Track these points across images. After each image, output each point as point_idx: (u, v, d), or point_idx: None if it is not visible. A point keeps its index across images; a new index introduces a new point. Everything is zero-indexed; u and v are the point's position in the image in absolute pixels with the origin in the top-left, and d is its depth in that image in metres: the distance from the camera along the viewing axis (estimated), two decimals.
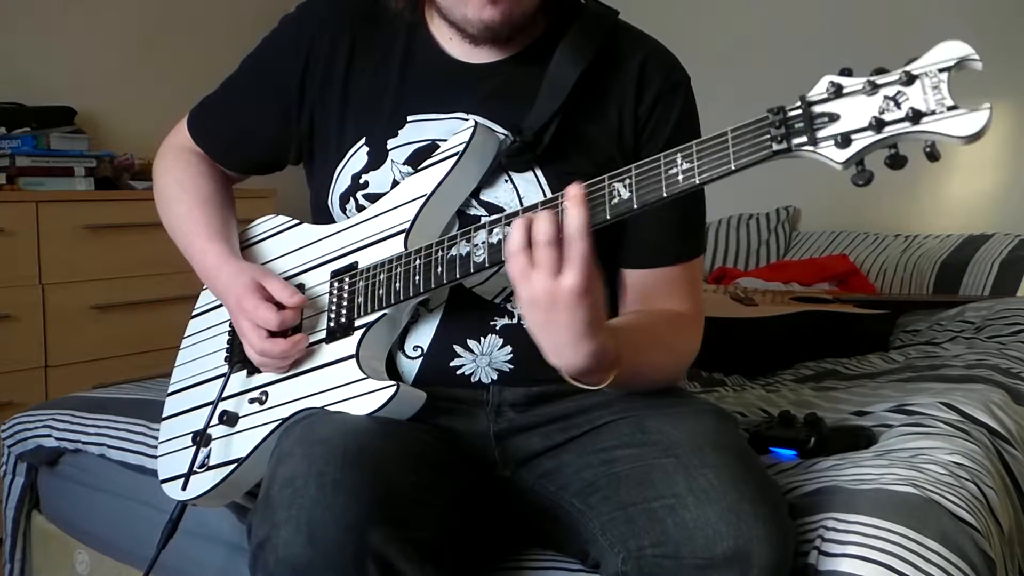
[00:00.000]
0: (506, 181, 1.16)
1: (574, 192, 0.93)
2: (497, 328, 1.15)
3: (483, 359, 1.15)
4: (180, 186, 1.32)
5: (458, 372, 1.15)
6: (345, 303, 1.16)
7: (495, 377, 1.16)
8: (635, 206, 0.93)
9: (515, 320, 1.15)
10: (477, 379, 1.16)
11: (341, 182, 1.22)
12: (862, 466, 1.23)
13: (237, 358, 1.24)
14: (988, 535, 1.10)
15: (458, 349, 1.15)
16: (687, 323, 1.19)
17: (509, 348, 1.15)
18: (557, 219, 0.93)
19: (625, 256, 1.20)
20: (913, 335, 2.32)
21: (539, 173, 1.16)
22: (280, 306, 1.16)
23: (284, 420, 1.14)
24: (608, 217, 0.95)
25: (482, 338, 1.15)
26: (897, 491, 1.11)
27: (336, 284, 1.18)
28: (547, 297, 0.93)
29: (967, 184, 3.04)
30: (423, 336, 1.16)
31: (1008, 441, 1.46)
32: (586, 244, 0.92)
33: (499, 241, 1.02)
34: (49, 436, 1.69)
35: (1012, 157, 2.96)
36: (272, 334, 1.16)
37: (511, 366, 1.15)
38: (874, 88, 0.83)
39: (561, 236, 0.93)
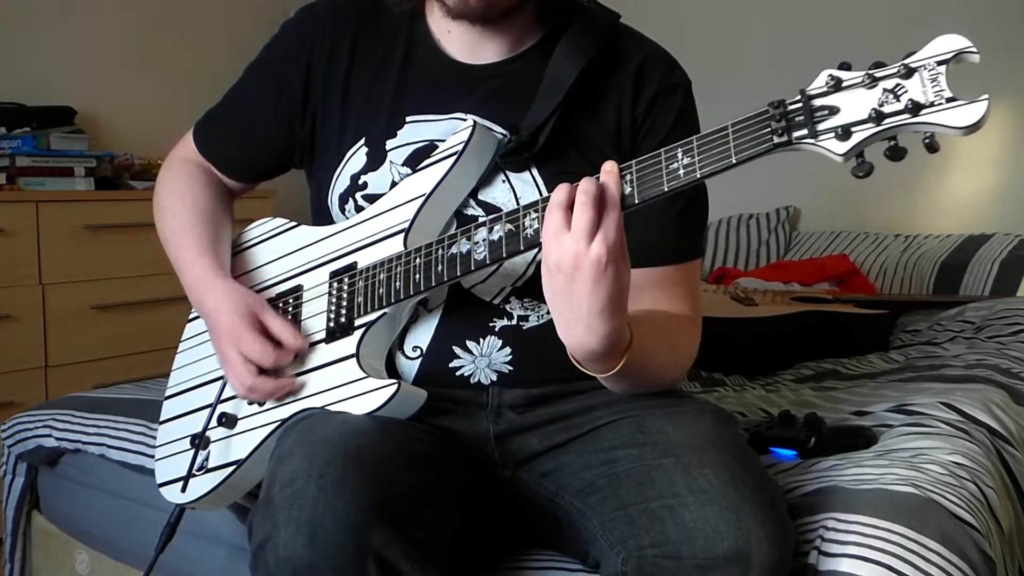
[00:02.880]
0: (503, 181, 1.16)
1: (609, 167, 0.95)
2: (496, 329, 1.15)
3: (482, 360, 1.15)
4: (177, 198, 1.32)
5: (457, 373, 1.15)
6: (345, 303, 1.16)
7: (494, 378, 1.16)
8: (636, 201, 0.94)
9: (514, 321, 1.15)
10: (476, 380, 1.16)
11: (340, 183, 1.22)
12: (862, 466, 1.23)
13: None
14: (988, 535, 1.10)
15: (457, 350, 1.15)
16: (688, 325, 1.18)
17: (508, 349, 1.15)
18: (599, 186, 0.94)
19: None
20: (913, 335, 2.32)
21: (535, 173, 1.16)
22: (277, 343, 1.15)
23: (283, 421, 1.14)
24: None
25: (481, 339, 1.15)
26: (897, 491, 1.11)
27: (335, 284, 1.18)
28: (573, 261, 0.93)
29: (967, 184, 3.04)
30: (422, 337, 1.16)
31: (1008, 441, 1.46)
32: (617, 215, 0.93)
33: (500, 238, 1.02)
34: (49, 436, 1.69)
35: (1012, 157, 2.96)
36: (262, 371, 1.15)
37: (510, 367, 1.15)
38: (873, 81, 0.84)
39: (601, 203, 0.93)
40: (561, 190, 0.95)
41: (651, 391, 1.13)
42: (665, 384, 1.15)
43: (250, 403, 1.19)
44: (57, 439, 1.68)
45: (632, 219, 1.13)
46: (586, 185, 0.94)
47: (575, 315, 0.95)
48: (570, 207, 0.94)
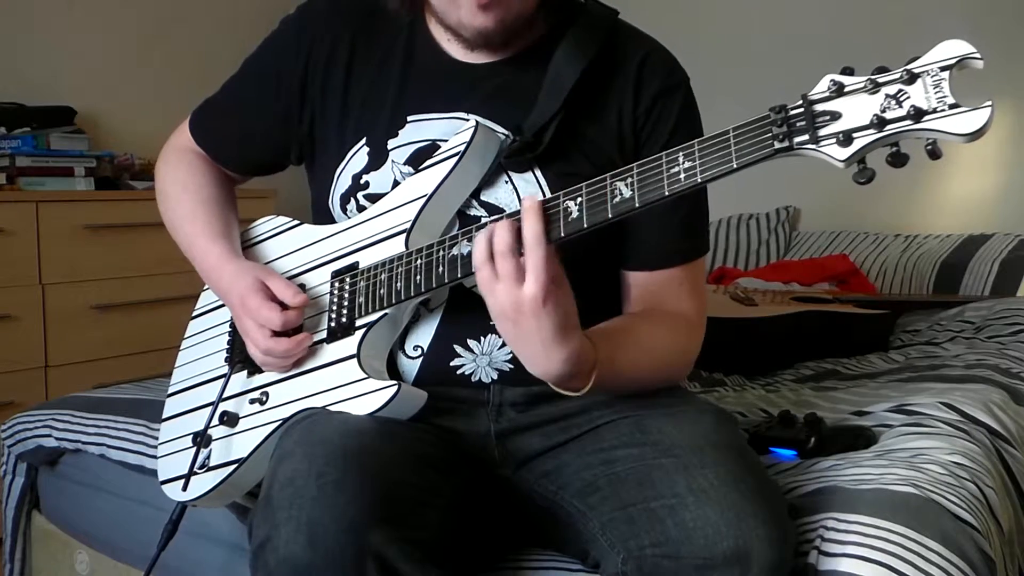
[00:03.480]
0: (506, 182, 1.16)
1: (528, 204, 0.97)
2: (497, 328, 1.15)
3: (483, 359, 1.15)
4: (182, 187, 1.32)
5: (458, 372, 1.15)
6: (346, 303, 1.16)
7: (495, 377, 1.16)
8: (637, 204, 0.94)
9: None
10: (477, 379, 1.16)
11: (342, 182, 1.22)
12: (862, 466, 1.23)
13: (238, 358, 1.24)
14: (988, 535, 1.10)
15: (458, 349, 1.15)
16: (683, 324, 1.18)
17: (509, 348, 1.15)
18: (516, 228, 0.95)
19: (627, 257, 1.20)
20: (913, 335, 2.32)
21: (539, 174, 1.16)
22: (283, 306, 1.16)
23: (285, 420, 1.14)
24: (610, 216, 0.95)
25: (482, 338, 1.15)
26: (897, 491, 1.11)
27: (337, 284, 1.18)
28: (512, 307, 0.96)
29: (967, 184, 3.04)
30: (423, 336, 1.16)
31: (1008, 441, 1.46)
32: (542, 253, 0.95)
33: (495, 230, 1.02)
34: (49, 436, 1.69)
35: (1012, 157, 2.96)
36: (276, 333, 1.16)
37: (511, 366, 1.15)
38: (876, 87, 0.83)
39: (521, 245, 0.95)
40: (479, 244, 0.97)
41: (642, 391, 1.13)
42: (658, 381, 1.16)
43: (253, 404, 1.19)
44: (57, 439, 1.68)
45: (637, 224, 1.14)
46: (500, 234, 0.96)
47: (532, 351, 0.99)
48: (491, 258, 0.96)
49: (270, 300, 1.17)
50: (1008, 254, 2.68)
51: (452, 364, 1.15)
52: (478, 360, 1.15)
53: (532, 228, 0.95)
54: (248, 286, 1.18)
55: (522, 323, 0.96)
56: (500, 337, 1.15)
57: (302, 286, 1.21)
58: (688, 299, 1.19)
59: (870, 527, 1.05)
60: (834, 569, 1.02)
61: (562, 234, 0.97)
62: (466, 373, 1.15)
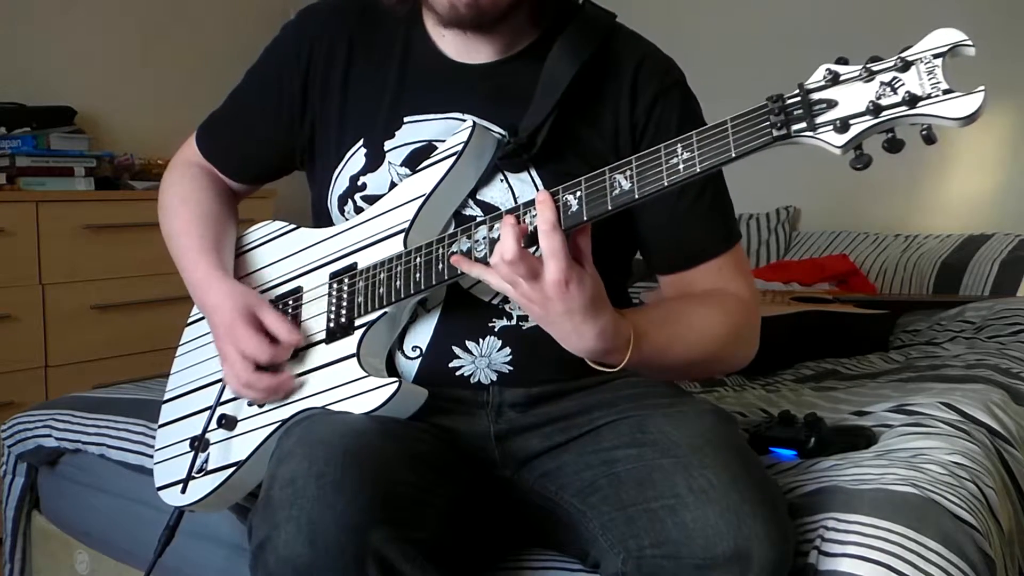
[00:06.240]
0: (501, 181, 1.16)
1: (542, 197, 0.99)
2: (496, 330, 1.15)
3: (482, 360, 1.15)
4: (181, 200, 1.33)
5: (457, 373, 1.15)
6: (345, 303, 1.16)
7: (494, 378, 1.15)
8: (636, 196, 0.95)
9: (513, 321, 1.15)
10: (476, 380, 1.16)
11: (339, 184, 1.22)
12: (862, 466, 1.23)
13: None
14: (988, 535, 1.10)
15: (457, 350, 1.15)
16: (733, 301, 1.18)
17: (508, 350, 1.15)
18: (515, 233, 0.98)
19: (666, 262, 1.21)
20: (913, 335, 2.32)
21: (534, 173, 1.16)
22: (273, 339, 1.16)
23: (284, 421, 1.14)
24: (609, 208, 0.97)
25: (481, 340, 1.15)
26: (897, 491, 1.11)
27: (335, 284, 1.18)
28: (538, 295, 0.99)
29: (967, 184, 3.04)
30: (422, 336, 1.16)
31: (1008, 441, 1.46)
32: (559, 237, 0.97)
33: (500, 236, 1.02)
34: (49, 436, 1.69)
35: (1012, 157, 2.96)
36: (259, 367, 1.15)
37: (510, 367, 1.15)
38: (870, 75, 0.85)
39: (523, 249, 0.98)
40: (494, 255, 1.00)
41: (691, 370, 1.17)
42: (717, 363, 1.18)
43: (249, 404, 1.19)
44: (57, 439, 1.68)
45: (668, 228, 1.14)
46: (504, 244, 0.98)
47: (564, 330, 1.02)
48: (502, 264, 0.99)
49: (259, 331, 1.16)
50: (1008, 254, 2.68)
51: (451, 365, 1.15)
52: (477, 362, 1.15)
53: (547, 216, 0.98)
54: (238, 311, 1.17)
55: (549, 307, 1.00)
56: (499, 339, 1.15)
57: (299, 288, 1.21)
58: (733, 280, 1.19)
59: (870, 527, 1.04)
60: (834, 569, 1.02)
61: (562, 227, 0.98)
62: (465, 374, 1.15)
